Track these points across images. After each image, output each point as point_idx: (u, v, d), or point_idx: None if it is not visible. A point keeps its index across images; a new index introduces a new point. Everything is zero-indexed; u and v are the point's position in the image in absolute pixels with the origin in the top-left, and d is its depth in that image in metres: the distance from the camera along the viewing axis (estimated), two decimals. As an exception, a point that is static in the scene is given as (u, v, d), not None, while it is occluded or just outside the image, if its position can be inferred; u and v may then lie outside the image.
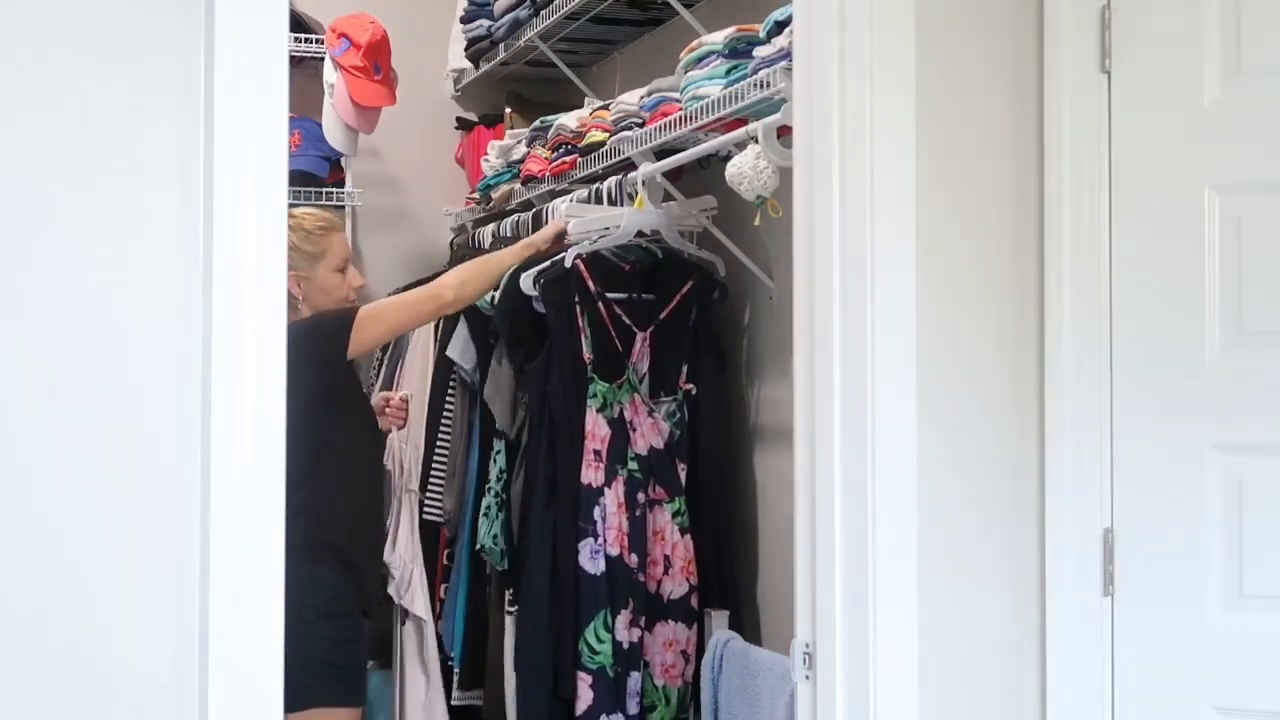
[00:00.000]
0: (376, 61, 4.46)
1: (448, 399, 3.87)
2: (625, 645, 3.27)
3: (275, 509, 1.96)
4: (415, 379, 4.10)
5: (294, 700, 3.07)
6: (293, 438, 3.22)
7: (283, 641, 1.97)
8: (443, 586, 3.86)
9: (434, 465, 3.86)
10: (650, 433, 3.37)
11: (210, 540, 1.91)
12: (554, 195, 3.98)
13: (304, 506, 3.24)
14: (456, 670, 3.77)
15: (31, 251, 1.86)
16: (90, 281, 1.89)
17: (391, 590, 3.79)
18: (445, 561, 3.88)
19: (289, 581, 3.19)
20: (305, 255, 3.38)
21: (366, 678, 3.47)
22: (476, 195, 4.62)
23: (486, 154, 4.49)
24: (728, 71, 3.03)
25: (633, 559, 3.29)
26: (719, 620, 3.29)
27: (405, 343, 4.45)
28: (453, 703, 3.79)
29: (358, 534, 3.43)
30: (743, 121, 3.04)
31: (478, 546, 3.64)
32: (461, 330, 3.72)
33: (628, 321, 3.44)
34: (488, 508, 3.59)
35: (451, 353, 3.74)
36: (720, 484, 3.45)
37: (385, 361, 4.53)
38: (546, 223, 3.80)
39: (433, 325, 4.05)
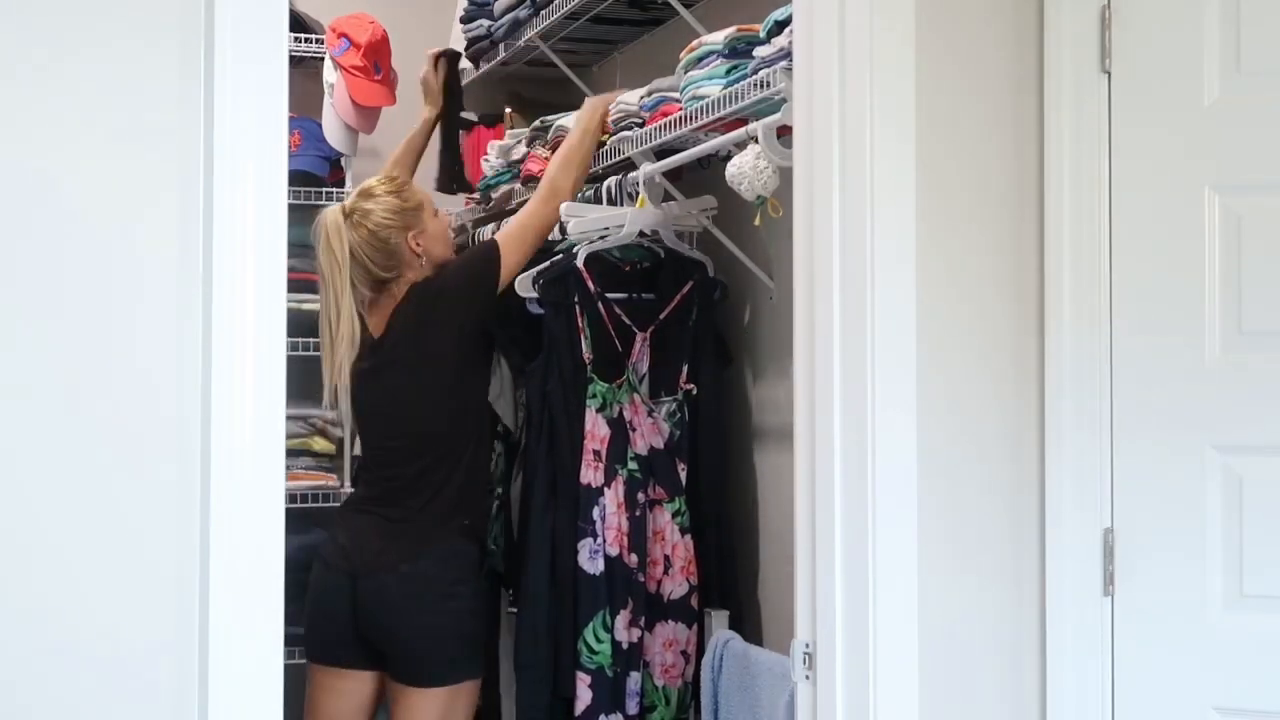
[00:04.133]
0: (376, 61, 4.46)
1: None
2: (624, 645, 3.27)
3: (276, 501, 1.96)
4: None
5: (447, 675, 3.22)
6: (436, 398, 3.32)
7: (282, 620, 1.97)
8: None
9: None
10: (650, 433, 3.37)
11: (210, 532, 1.91)
12: (554, 195, 3.97)
13: (471, 478, 3.33)
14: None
15: (33, 251, 1.86)
16: (92, 281, 1.89)
17: None
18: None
19: (448, 558, 3.24)
20: (410, 211, 3.39)
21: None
22: (476, 195, 4.62)
23: (486, 154, 4.48)
24: (728, 71, 3.03)
25: (632, 559, 3.29)
26: (719, 620, 3.29)
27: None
28: None
29: (483, 500, 3.48)
30: (743, 121, 3.04)
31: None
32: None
33: (627, 322, 3.43)
34: (490, 510, 3.58)
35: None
36: (720, 484, 3.45)
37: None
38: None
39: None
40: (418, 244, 3.35)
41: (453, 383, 3.32)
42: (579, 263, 3.39)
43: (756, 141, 2.89)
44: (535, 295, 3.38)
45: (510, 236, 3.41)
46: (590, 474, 3.29)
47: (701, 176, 3.57)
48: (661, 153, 3.42)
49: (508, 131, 4.48)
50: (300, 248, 4.28)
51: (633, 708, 3.27)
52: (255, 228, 1.95)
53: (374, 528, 3.29)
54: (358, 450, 4.47)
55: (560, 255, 3.47)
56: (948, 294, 2.40)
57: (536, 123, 4.14)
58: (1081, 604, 2.41)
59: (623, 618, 3.26)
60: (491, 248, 3.38)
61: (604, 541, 3.27)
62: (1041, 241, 2.45)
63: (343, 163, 4.69)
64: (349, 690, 3.29)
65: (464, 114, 4.06)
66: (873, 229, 2.34)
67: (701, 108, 3.10)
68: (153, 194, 1.92)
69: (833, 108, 2.38)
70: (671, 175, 3.47)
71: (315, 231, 3.40)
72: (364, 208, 3.36)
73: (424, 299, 3.33)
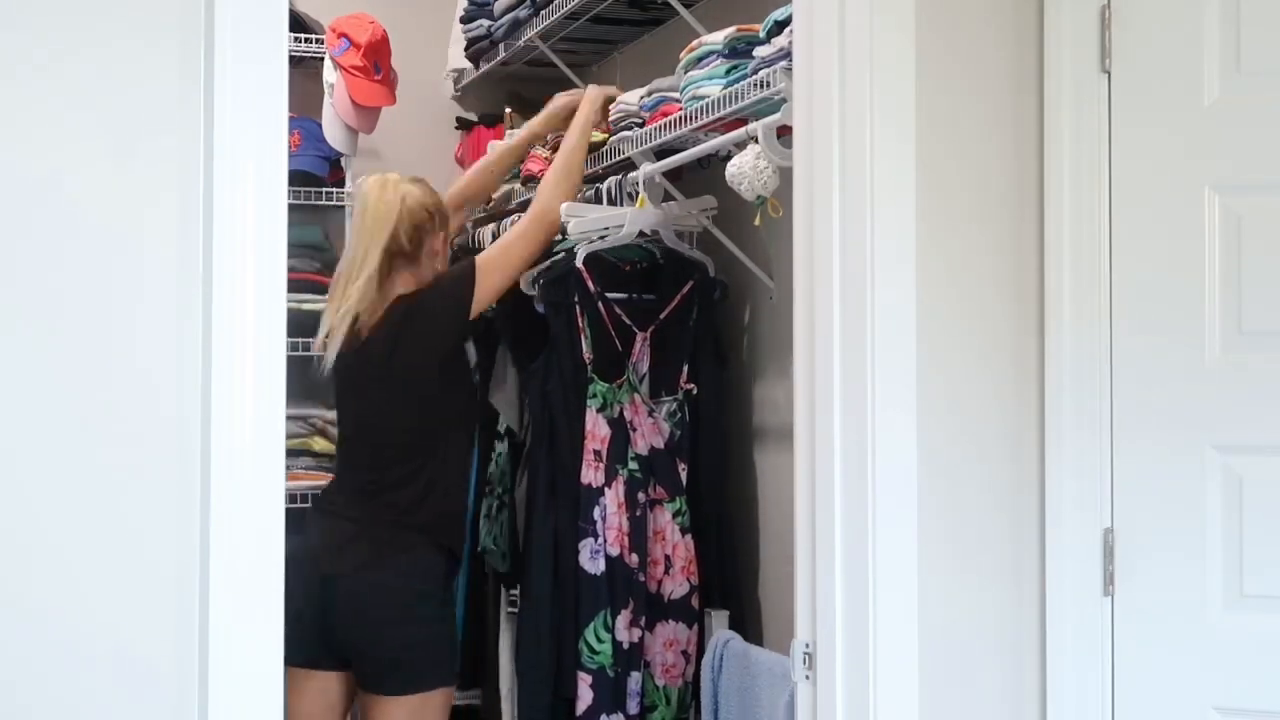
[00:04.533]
0: (376, 61, 4.46)
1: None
2: (625, 645, 3.27)
3: (275, 501, 1.96)
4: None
5: (414, 684, 3.19)
6: (415, 411, 3.29)
7: (282, 619, 1.96)
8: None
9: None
10: (650, 433, 3.37)
11: (210, 532, 1.91)
12: (554, 195, 3.97)
13: (444, 494, 3.29)
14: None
15: (33, 252, 1.86)
16: (91, 282, 1.89)
17: None
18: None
19: (413, 567, 3.23)
20: (438, 213, 3.42)
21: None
22: (476, 195, 4.62)
23: (486, 154, 4.49)
24: (728, 71, 3.03)
25: (633, 559, 3.29)
26: (719, 620, 3.29)
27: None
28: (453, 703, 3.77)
29: (459, 514, 3.46)
30: (743, 121, 3.04)
31: (479, 548, 3.63)
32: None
33: (628, 322, 3.43)
34: (489, 509, 3.58)
35: (450, 351, 3.72)
36: (721, 484, 3.45)
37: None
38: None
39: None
40: (435, 245, 3.38)
41: (423, 400, 3.29)
42: (579, 263, 3.39)
43: (756, 141, 2.89)
44: (535, 295, 3.38)
45: (492, 258, 3.36)
46: (591, 474, 3.29)
47: (701, 176, 3.57)
48: (661, 153, 3.42)
49: (508, 131, 4.48)
50: (300, 248, 4.30)
51: (633, 708, 3.27)
52: (255, 228, 1.95)
53: (339, 530, 3.27)
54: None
55: (560, 255, 3.47)
56: (948, 294, 2.40)
57: (536, 123, 4.13)
58: (1081, 604, 2.41)
59: (624, 618, 3.26)
60: (468, 269, 3.33)
61: (605, 541, 3.27)
62: (1041, 241, 2.45)
63: (343, 163, 4.69)
64: (319, 690, 3.27)
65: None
66: (873, 229, 2.34)
67: (701, 108, 3.10)
68: (153, 194, 1.92)
69: (833, 108, 2.38)
70: (671, 175, 3.47)
71: (358, 193, 3.43)
72: (404, 185, 3.38)
73: (402, 315, 3.30)
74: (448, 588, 3.33)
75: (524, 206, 4.18)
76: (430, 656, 3.22)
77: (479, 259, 3.35)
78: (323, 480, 4.33)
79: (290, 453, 4.16)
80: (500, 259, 3.35)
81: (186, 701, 1.91)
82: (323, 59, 4.54)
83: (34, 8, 1.87)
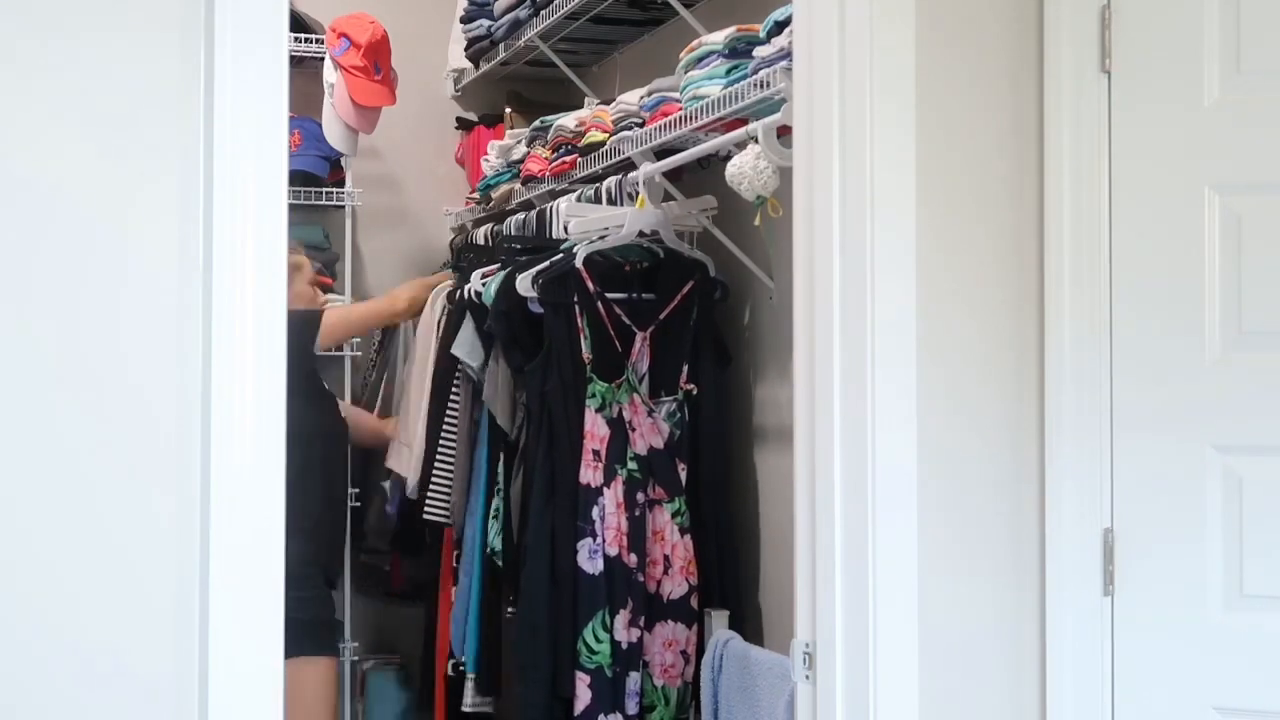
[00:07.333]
0: (376, 61, 4.46)
1: (451, 398, 3.85)
2: (624, 645, 3.27)
3: (275, 504, 1.96)
4: (416, 376, 4.09)
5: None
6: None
7: (282, 624, 1.97)
8: (453, 589, 3.83)
9: (436, 465, 3.83)
10: (650, 433, 3.37)
11: (210, 530, 1.91)
12: (554, 195, 3.98)
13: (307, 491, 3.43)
14: (470, 675, 3.72)
15: (36, 250, 1.86)
16: (92, 280, 1.89)
17: None
18: (454, 564, 3.84)
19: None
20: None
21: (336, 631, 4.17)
22: (476, 195, 4.63)
23: (486, 154, 4.49)
24: (728, 71, 3.03)
25: (632, 559, 3.29)
26: (719, 620, 3.29)
27: (400, 343, 4.46)
28: (465, 709, 3.72)
29: (320, 514, 3.89)
30: (743, 121, 3.04)
31: (488, 549, 3.61)
32: (468, 328, 3.71)
33: (627, 321, 3.43)
34: (497, 510, 3.56)
35: (458, 351, 3.71)
36: (720, 484, 3.45)
37: (381, 359, 4.54)
38: (549, 223, 3.80)
39: (436, 322, 4.06)
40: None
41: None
42: (578, 263, 3.39)
43: (756, 141, 2.89)
44: (535, 295, 3.38)
45: (342, 316, 4.18)
46: (590, 474, 3.29)
47: (701, 176, 3.57)
48: (661, 153, 3.42)
49: (508, 131, 4.48)
50: (300, 248, 4.30)
51: (632, 708, 3.27)
52: (255, 228, 1.95)
53: None
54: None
55: (560, 255, 3.47)
56: (948, 295, 2.40)
57: (536, 123, 4.15)
58: (1081, 604, 2.41)
59: (622, 618, 3.26)
60: (316, 316, 4.00)
61: (603, 541, 3.27)
62: (1041, 241, 2.45)
63: (343, 163, 4.70)
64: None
65: None
66: (873, 229, 2.34)
67: (701, 108, 3.10)
68: (153, 194, 1.92)
69: (833, 108, 2.38)
70: (671, 175, 3.47)
71: None
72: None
73: None
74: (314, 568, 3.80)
75: (524, 205, 4.20)
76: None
77: (331, 311, 4.12)
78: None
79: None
80: (347, 318, 4.22)
81: (186, 706, 1.91)
82: (323, 59, 4.55)
83: (34, 8, 1.87)
